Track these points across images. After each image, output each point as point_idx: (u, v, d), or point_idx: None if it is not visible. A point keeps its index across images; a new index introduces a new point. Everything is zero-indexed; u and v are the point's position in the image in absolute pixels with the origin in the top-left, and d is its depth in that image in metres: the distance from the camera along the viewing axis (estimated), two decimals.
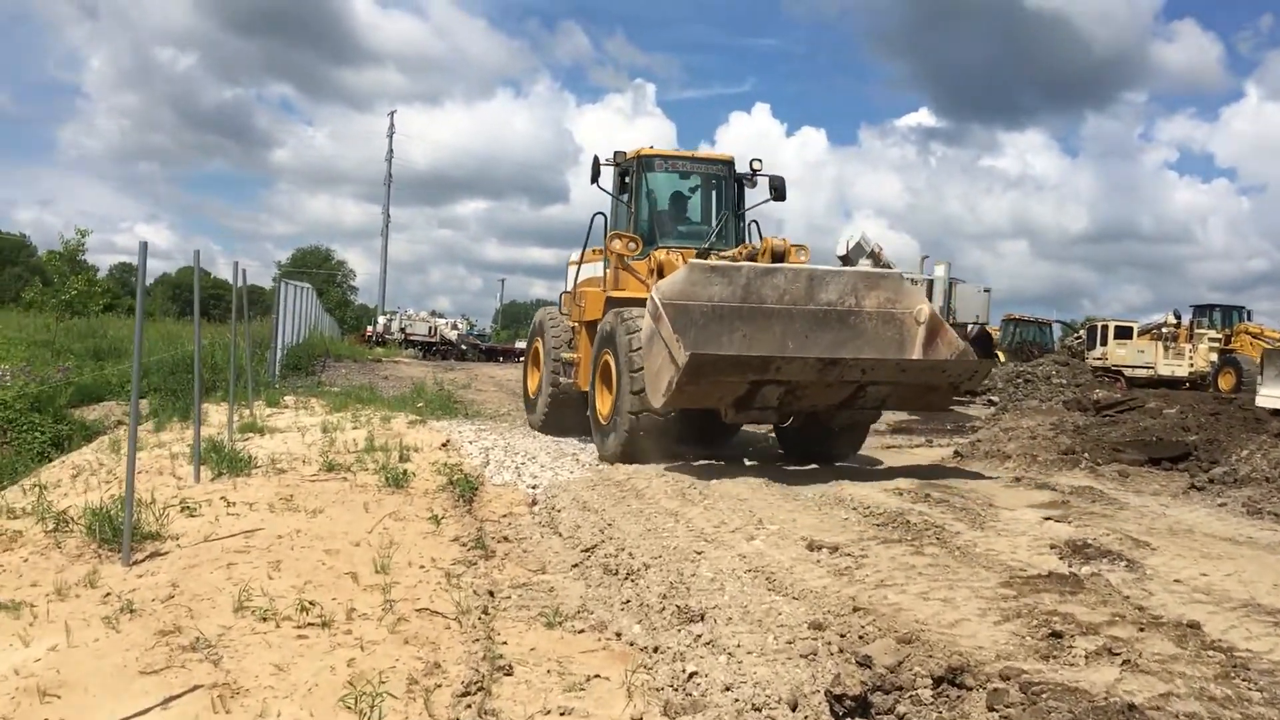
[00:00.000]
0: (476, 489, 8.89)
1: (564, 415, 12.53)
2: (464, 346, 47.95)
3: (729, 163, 12.06)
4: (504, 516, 8.13)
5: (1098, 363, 32.51)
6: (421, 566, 6.40)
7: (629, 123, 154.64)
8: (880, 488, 8.59)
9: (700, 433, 10.89)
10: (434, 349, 47.57)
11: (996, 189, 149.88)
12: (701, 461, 10.20)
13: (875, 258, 20.98)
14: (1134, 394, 16.26)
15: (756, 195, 11.99)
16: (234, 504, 7.71)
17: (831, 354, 9.17)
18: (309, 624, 5.19)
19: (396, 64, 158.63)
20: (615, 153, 11.96)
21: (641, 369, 9.38)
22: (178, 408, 13.37)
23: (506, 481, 9.54)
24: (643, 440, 9.85)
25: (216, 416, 12.95)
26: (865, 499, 8.00)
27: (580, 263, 12.58)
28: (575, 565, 6.60)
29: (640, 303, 9.58)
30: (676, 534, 7.04)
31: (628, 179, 11.86)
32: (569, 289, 12.94)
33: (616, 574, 6.25)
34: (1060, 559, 6.20)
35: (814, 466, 10.08)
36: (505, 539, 7.38)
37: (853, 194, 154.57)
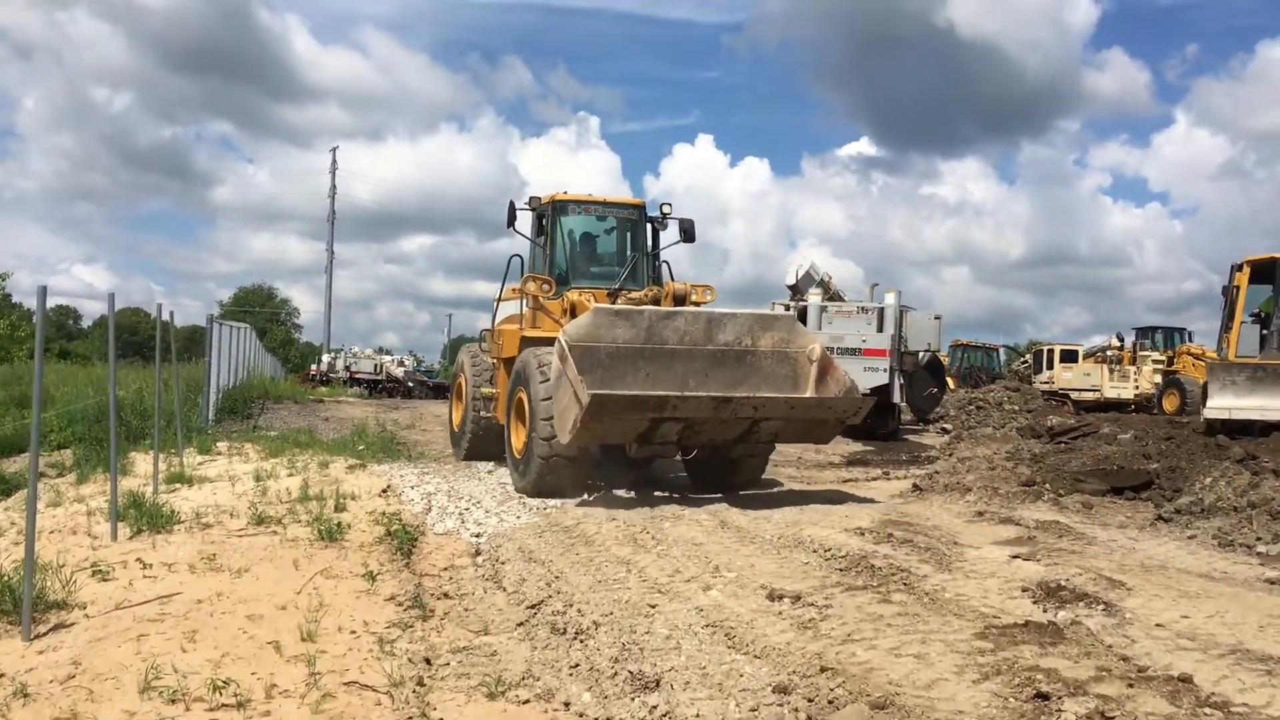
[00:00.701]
0: (416, 540, 8.38)
1: (486, 447, 13.02)
2: (410, 384, 47.08)
3: (640, 207, 12.62)
4: (445, 570, 7.63)
5: (1044, 387, 32.65)
6: (353, 631, 5.90)
7: (573, 155, 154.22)
8: (841, 527, 8.23)
9: (615, 463, 11.17)
10: (380, 387, 46.65)
11: (937, 216, 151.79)
12: (654, 507, 9.81)
13: (825, 286, 20.78)
14: (1088, 419, 16.14)
15: (671, 235, 12.47)
16: (150, 565, 7.15)
17: (728, 392, 9.81)
18: (223, 705, 4.68)
19: (338, 100, 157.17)
20: (530, 198, 12.32)
21: (551, 408, 9.72)
22: (103, 458, 12.67)
23: (449, 530, 9.03)
24: (555, 475, 10.23)
25: (144, 466, 12.32)
26: (825, 540, 7.63)
27: (500, 300, 13.05)
28: (520, 624, 6.13)
29: (553, 342, 9.88)
30: (629, 585, 6.62)
31: (544, 222, 12.29)
32: (491, 326, 13.34)
33: (564, 633, 5.80)
34: (1034, 603, 5.87)
35: (771, 508, 9.69)
36: (446, 595, 6.88)
37: (796, 223, 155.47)
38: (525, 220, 12.31)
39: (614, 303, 11.11)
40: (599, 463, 10.89)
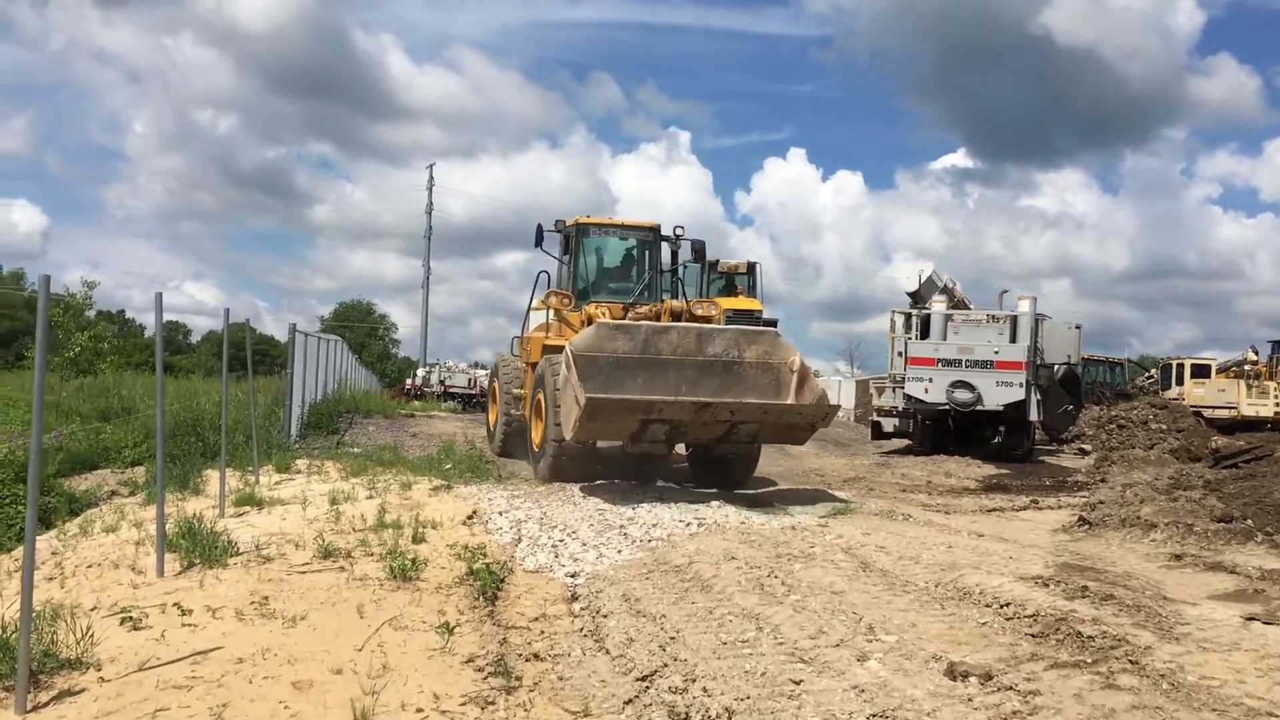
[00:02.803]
0: (503, 580, 7.15)
1: (517, 442, 14.22)
2: None
3: (655, 229, 13.94)
4: (535, 620, 6.38)
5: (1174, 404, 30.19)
6: (419, 709, 4.68)
7: (663, 171, 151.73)
8: (1012, 574, 6.77)
9: (626, 459, 12.31)
10: (474, 401, 45.97)
11: (1035, 229, 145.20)
12: (777, 544, 8.45)
13: (949, 293, 19.09)
14: (1257, 441, 14.27)
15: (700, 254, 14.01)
16: (191, 611, 6.05)
17: (715, 398, 10.81)
18: None
19: (433, 119, 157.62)
20: (556, 221, 13.71)
21: (559, 407, 10.96)
22: (175, 475, 11.81)
23: (541, 566, 7.81)
24: (565, 463, 11.73)
25: (217, 485, 11.40)
26: (999, 592, 6.19)
27: (531, 310, 14.32)
28: (629, 702, 4.83)
29: None
30: (761, 649, 5.31)
31: (569, 242, 13.60)
32: (522, 334, 14.78)
33: None
34: None
35: (916, 546, 8.26)
36: (536, 656, 5.63)
37: (890, 236, 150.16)
38: (553, 241, 13.81)
39: (626, 316, 12.50)
40: (607, 457, 12.29)
